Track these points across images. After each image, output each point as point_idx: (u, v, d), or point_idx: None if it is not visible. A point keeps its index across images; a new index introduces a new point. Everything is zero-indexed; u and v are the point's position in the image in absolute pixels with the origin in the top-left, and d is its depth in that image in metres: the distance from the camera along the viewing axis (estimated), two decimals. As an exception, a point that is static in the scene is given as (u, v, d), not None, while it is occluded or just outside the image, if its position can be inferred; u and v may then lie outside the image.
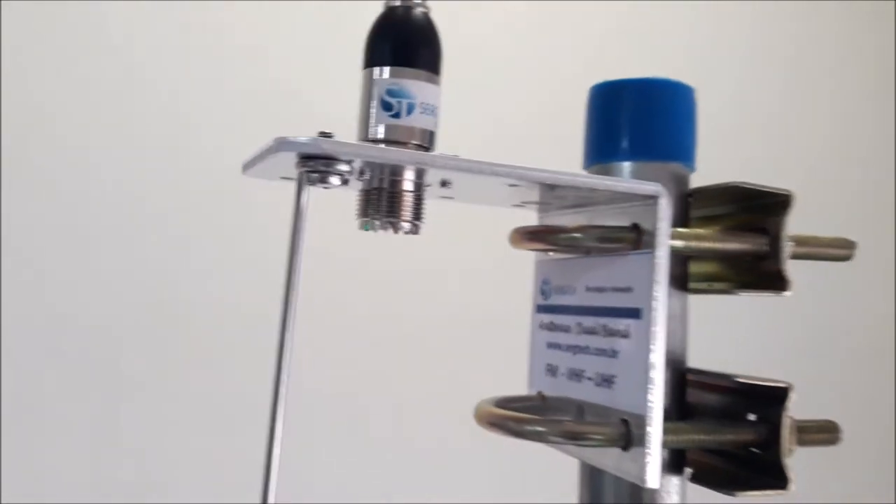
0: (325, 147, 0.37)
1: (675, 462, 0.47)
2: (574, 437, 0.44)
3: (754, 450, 0.46)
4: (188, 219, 1.22)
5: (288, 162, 0.39)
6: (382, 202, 0.43)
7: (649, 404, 0.42)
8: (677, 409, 0.47)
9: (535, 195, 0.47)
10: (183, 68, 1.24)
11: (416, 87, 0.43)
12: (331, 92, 1.01)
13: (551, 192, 0.46)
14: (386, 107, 0.42)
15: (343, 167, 0.39)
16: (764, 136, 1.65)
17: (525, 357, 0.54)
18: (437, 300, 1.33)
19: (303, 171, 0.39)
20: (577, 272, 0.49)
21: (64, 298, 1.17)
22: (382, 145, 0.42)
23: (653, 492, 0.46)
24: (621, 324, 0.44)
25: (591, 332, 0.47)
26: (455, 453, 1.26)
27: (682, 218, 0.48)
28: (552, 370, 0.50)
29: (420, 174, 0.43)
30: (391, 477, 1.30)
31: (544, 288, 0.52)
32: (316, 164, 0.38)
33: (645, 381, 0.42)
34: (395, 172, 0.42)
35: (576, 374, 0.48)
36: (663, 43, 1.55)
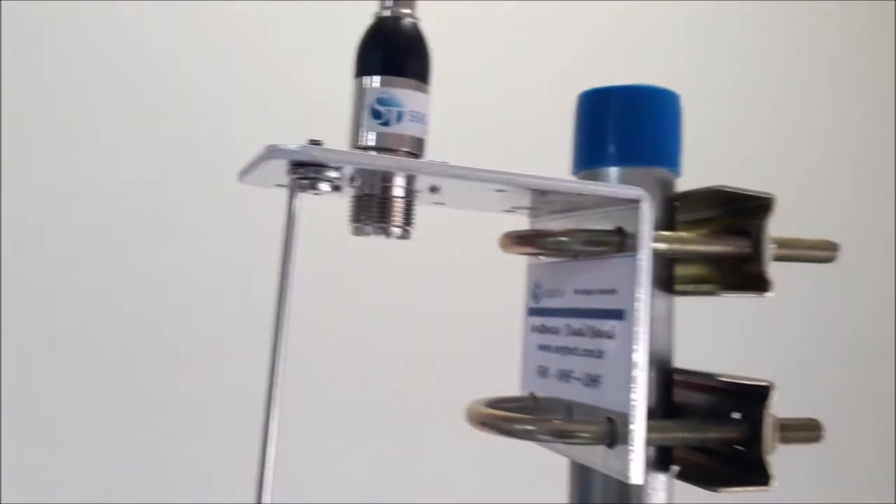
0: (315, 154, 0.39)
1: (661, 460, 0.48)
2: (561, 436, 0.45)
3: (738, 447, 0.47)
4: (198, 222, 1.24)
5: (279, 169, 0.40)
6: (374, 208, 0.44)
7: (633, 403, 0.43)
8: (663, 408, 0.48)
9: (525, 200, 0.49)
10: (185, 69, 1.26)
11: (405, 95, 0.44)
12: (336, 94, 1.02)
13: (541, 197, 0.47)
14: (376, 115, 0.44)
15: (333, 174, 0.40)
16: (764, 136, 1.66)
17: (518, 359, 0.55)
18: (435, 303, 1.35)
19: (294, 178, 0.40)
20: (565, 275, 0.50)
21: (65, 299, 1.19)
22: (373, 152, 0.44)
23: (640, 489, 0.47)
24: (606, 325, 0.45)
25: (578, 333, 0.48)
26: (451, 453, 1.27)
27: (667, 221, 0.50)
28: (543, 371, 0.51)
29: (410, 181, 0.44)
30: (388, 476, 1.32)
31: (536, 291, 0.53)
32: (306, 171, 0.40)
33: (628, 381, 0.43)
34: (386, 179, 0.44)
35: (565, 375, 0.49)
36: (663, 44, 1.57)
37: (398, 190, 0.44)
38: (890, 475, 1.69)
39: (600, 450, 0.44)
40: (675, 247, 0.47)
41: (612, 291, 0.45)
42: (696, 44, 1.61)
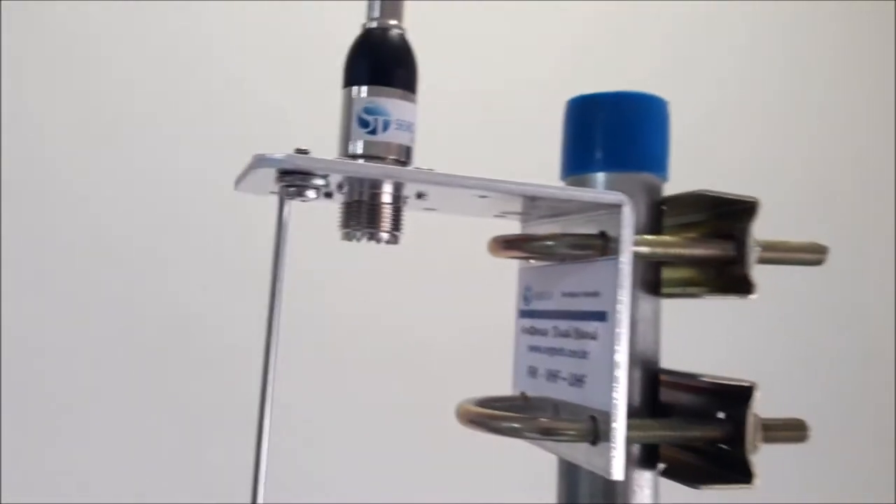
0: (300, 163, 0.40)
1: (647, 457, 0.49)
2: (547, 433, 0.46)
3: (723, 446, 0.48)
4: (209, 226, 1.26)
5: (269, 177, 0.42)
6: (362, 214, 0.46)
7: (614, 401, 0.44)
8: (649, 408, 0.50)
9: (514, 206, 0.50)
10: (188, 71, 1.28)
11: (391, 104, 0.45)
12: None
13: (530, 202, 0.48)
14: (363, 124, 0.45)
15: (319, 182, 0.41)
16: (763, 137, 1.66)
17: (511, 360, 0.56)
18: (431, 306, 1.37)
19: (282, 185, 0.42)
20: (553, 278, 0.51)
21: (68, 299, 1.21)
22: (361, 160, 0.45)
23: (625, 485, 0.48)
24: (590, 326, 0.47)
25: (565, 334, 0.49)
26: (447, 453, 1.28)
27: (654, 225, 0.51)
28: (533, 372, 0.53)
29: (398, 187, 0.45)
30: (384, 477, 1.33)
31: (526, 294, 0.55)
32: (293, 179, 0.41)
33: (611, 380, 0.44)
34: (374, 186, 0.45)
35: (553, 375, 0.50)
36: (662, 44, 1.58)
37: (386, 196, 0.46)
38: (890, 475, 1.68)
39: (584, 447, 0.46)
40: (659, 250, 0.48)
41: (595, 294, 0.46)
42: (694, 44, 1.62)
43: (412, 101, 0.46)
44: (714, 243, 0.49)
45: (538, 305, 0.53)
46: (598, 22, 1.55)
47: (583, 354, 0.47)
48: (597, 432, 0.45)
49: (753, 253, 0.48)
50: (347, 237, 0.47)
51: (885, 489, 1.68)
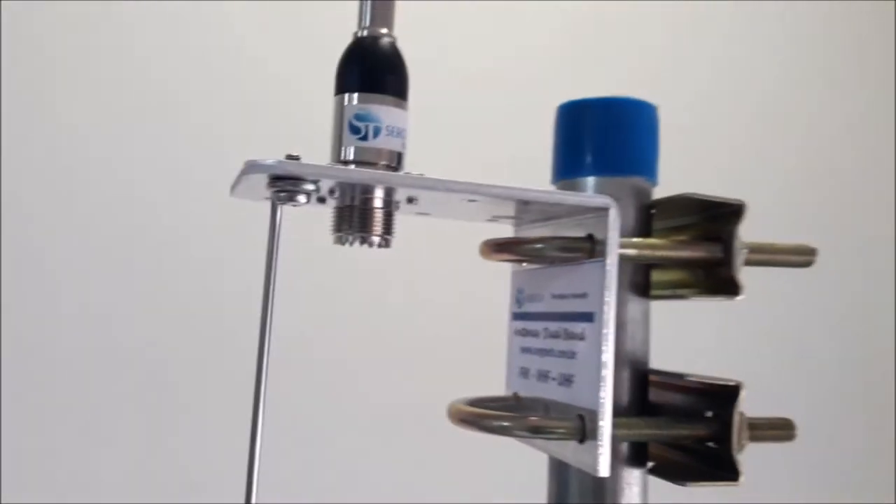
0: (290, 168, 0.41)
1: (636, 456, 0.50)
2: (536, 432, 0.47)
3: (711, 445, 0.49)
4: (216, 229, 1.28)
5: (261, 183, 0.43)
6: (354, 218, 0.47)
7: (601, 400, 0.45)
8: (638, 407, 0.50)
9: (506, 210, 0.51)
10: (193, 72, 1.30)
11: (382, 111, 0.46)
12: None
13: (521, 206, 0.49)
14: (354, 130, 0.46)
15: (309, 187, 0.43)
16: (761, 137, 1.67)
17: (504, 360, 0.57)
18: (427, 308, 1.38)
19: (273, 191, 0.43)
20: (544, 281, 0.52)
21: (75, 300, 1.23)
22: (352, 166, 0.46)
23: (614, 483, 0.49)
24: (578, 327, 0.47)
25: (555, 335, 0.50)
26: (442, 452, 1.29)
27: (643, 228, 0.52)
28: (525, 372, 0.54)
29: (389, 192, 0.46)
30: (380, 477, 1.34)
31: (519, 296, 0.56)
32: (285, 185, 0.42)
33: (597, 379, 0.45)
34: (366, 191, 0.46)
35: (543, 375, 0.51)
36: (658, 45, 1.59)
37: (378, 201, 0.47)
38: (890, 475, 1.68)
39: (572, 445, 0.47)
40: (646, 252, 0.49)
41: (583, 295, 0.47)
42: (689, 45, 1.63)
43: (403, 107, 0.47)
44: (701, 246, 0.50)
45: (530, 307, 0.54)
46: (593, 24, 1.56)
47: (571, 355, 0.48)
48: (584, 430, 0.46)
49: (740, 255, 0.49)
50: (340, 241, 0.48)
51: (885, 489, 1.68)
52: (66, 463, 1.20)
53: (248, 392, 0.44)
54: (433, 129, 1.27)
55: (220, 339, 1.26)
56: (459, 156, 1.29)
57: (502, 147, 1.37)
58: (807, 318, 1.66)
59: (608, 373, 0.45)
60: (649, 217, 0.52)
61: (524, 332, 0.54)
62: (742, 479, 0.46)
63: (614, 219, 0.46)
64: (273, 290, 0.44)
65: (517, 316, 0.56)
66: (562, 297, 0.50)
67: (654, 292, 0.52)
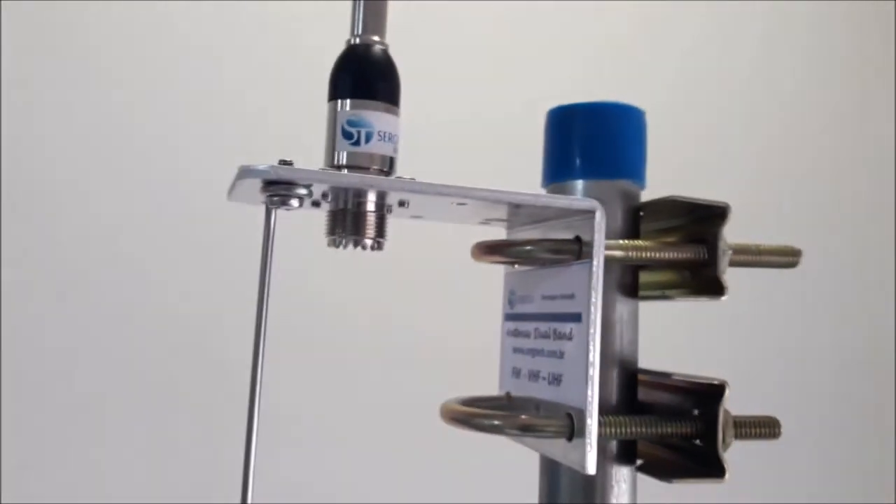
0: (282, 174, 0.42)
1: (625, 453, 0.51)
2: (526, 430, 0.48)
3: (697, 443, 0.50)
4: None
5: (255, 188, 0.44)
6: (347, 222, 0.48)
7: (588, 399, 0.46)
8: (627, 405, 0.51)
9: (497, 213, 0.52)
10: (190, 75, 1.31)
11: (374, 117, 0.48)
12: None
13: (514, 210, 0.50)
14: (347, 136, 0.47)
15: (302, 191, 0.44)
16: (763, 137, 1.68)
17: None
18: (423, 310, 1.39)
19: (267, 195, 0.44)
20: (535, 282, 0.53)
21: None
22: (345, 170, 0.47)
23: (604, 481, 0.50)
24: (566, 327, 0.49)
25: (545, 336, 0.51)
26: (440, 452, 1.30)
27: (631, 230, 0.53)
28: (517, 372, 0.55)
29: (380, 196, 0.47)
30: (377, 477, 1.36)
31: (511, 298, 0.57)
32: (278, 189, 0.44)
33: (585, 379, 0.46)
34: (359, 195, 0.47)
35: (534, 375, 0.52)
36: (657, 47, 1.60)
37: (370, 205, 0.48)
38: (890, 475, 1.69)
39: (561, 443, 0.48)
40: (632, 254, 0.50)
41: (571, 296, 0.48)
42: (687, 47, 1.64)
43: (395, 113, 0.49)
44: (687, 247, 0.51)
45: (521, 308, 0.55)
46: (587, 28, 1.57)
47: (560, 354, 0.49)
48: (573, 429, 0.47)
49: (725, 256, 0.50)
50: (333, 244, 0.49)
51: (885, 489, 1.69)
52: (67, 463, 1.22)
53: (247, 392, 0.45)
54: (431, 132, 1.28)
55: (221, 339, 1.27)
56: (456, 160, 1.30)
57: (497, 150, 1.38)
58: (807, 319, 1.67)
59: (595, 372, 0.46)
60: (637, 219, 0.53)
61: (516, 333, 0.56)
62: (727, 476, 0.47)
63: (600, 221, 0.47)
64: (267, 293, 0.45)
65: (509, 317, 0.57)
66: (551, 297, 0.51)
67: (642, 293, 0.53)
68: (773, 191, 1.65)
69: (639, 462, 0.52)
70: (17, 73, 1.23)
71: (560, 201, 0.47)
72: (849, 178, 1.75)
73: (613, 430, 0.48)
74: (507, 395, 0.56)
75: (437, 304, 1.40)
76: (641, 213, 0.54)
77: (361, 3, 0.49)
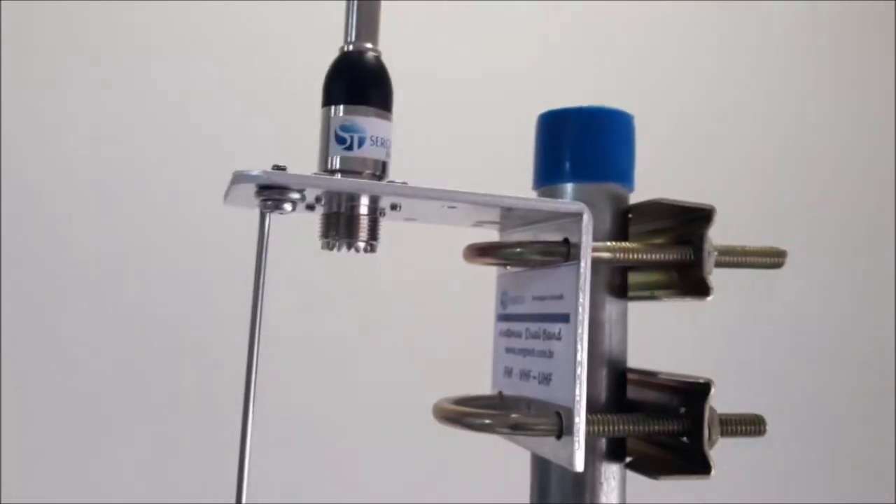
0: (275, 179, 0.44)
1: (614, 451, 0.52)
2: (516, 428, 0.49)
3: (685, 440, 0.51)
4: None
5: (250, 192, 0.45)
6: (340, 225, 0.49)
7: (576, 398, 0.47)
8: (616, 404, 0.53)
9: (489, 216, 0.53)
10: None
11: (367, 122, 0.49)
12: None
13: (506, 212, 0.52)
14: (340, 141, 0.48)
15: (295, 195, 0.45)
16: (762, 138, 1.69)
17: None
18: (418, 310, 1.41)
19: (261, 200, 0.45)
20: (526, 283, 0.54)
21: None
22: (338, 175, 0.49)
23: (593, 478, 0.51)
24: (555, 328, 0.50)
25: (535, 336, 0.52)
26: (432, 451, 1.31)
27: (620, 232, 0.54)
28: (509, 372, 0.56)
29: (373, 199, 0.49)
30: (373, 477, 1.37)
31: (503, 299, 0.58)
32: (272, 194, 0.45)
33: (573, 378, 0.47)
34: (350, 198, 0.49)
35: (525, 374, 0.53)
36: (653, 46, 1.61)
37: (363, 208, 0.49)
38: (890, 475, 1.69)
39: (551, 441, 0.49)
40: (619, 255, 0.51)
41: (560, 297, 0.50)
42: (681, 50, 1.65)
43: (387, 118, 0.50)
44: (673, 249, 0.52)
45: (513, 309, 0.56)
46: (579, 34, 1.58)
47: (550, 354, 0.50)
48: (561, 427, 0.48)
49: (710, 257, 0.51)
50: (327, 246, 0.50)
51: (885, 489, 1.70)
52: (67, 463, 1.23)
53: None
54: (429, 136, 1.29)
55: (221, 339, 1.28)
56: (452, 164, 1.32)
57: (491, 154, 1.39)
58: (807, 318, 1.68)
59: (582, 371, 0.47)
60: (626, 221, 0.54)
61: (508, 333, 0.57)
62: (713, 472, 0.48)
63: (587, 224, 0.48)
64: (262, 295, 0.46)
65: (502, 317, 0.58)
66: (541, 298, 0.52)
67: (631, 293, 0.54)
68: (774, 191, 1.66)
69: (628, 459, 0.53)
70: (17, 73, 1.24)
71: (548, 205, 0.48)
72: (849, 177, 1.76)
73: (602, 428, 0.49)
74: (500, 394, 0.57)
75: (432, 305, 1.41)
76: (630, 216, 0.55)
77: (355, 10, 0.51)
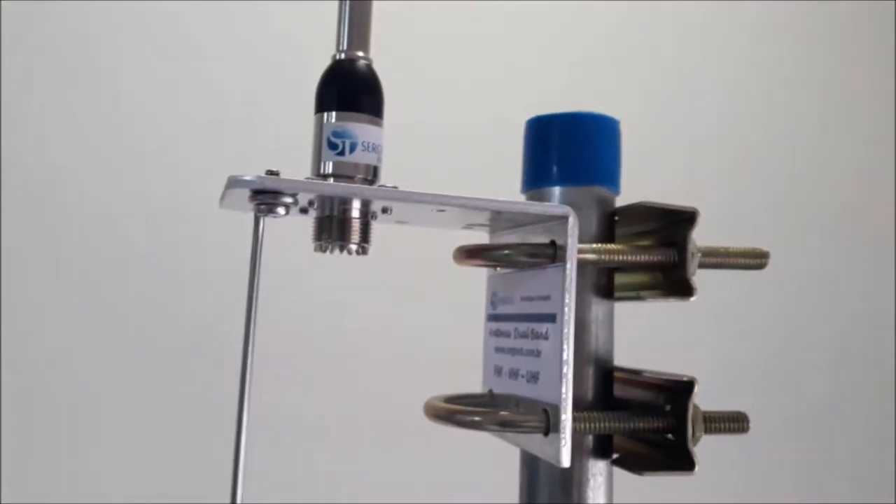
0: (269, 183, 0.45)
1: (601, 448, 0.53)
2: (505, 426, 0.51)
3: (669, 437, 0.52)
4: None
5: (244, 196, 0.47)
6: (333, 228, 0.51)
7: (562, 396, 0.48)
8: (602, 402, 0.54)
9: (479, 219, 0.55)
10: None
11: (358, 128, 0.50)
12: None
13: (496, 215, 0.53)
14: (332, 146, 0.50)
15: (288, 200, 0.46)
16: (762, 138, 1.70)
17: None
18: (413, 311, 1.42)
19: (255, 204, 0.46)
20: (514, 284, 0.56)
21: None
22: (330, 179, 0.50)
23: (581, 474, 0.53)
24: (543, 327, 0.51)
25: (523, 335, 0.54)
26: (424, 448, 1.32)
27: (607, 234, 0.55)
28: (498, 370, 0.57)
29: (365, 203, 0.50)
30: (369, 477, 1.38)
31: (493, 299, 0.59)
32: (265, 198, 0.46)
33: (559, 376, 0.49)
34: (343, 202, 0.50)
35: (514, 373, 0.55)
36: (653, 46, 1.62)
37: (355, 211, 0.51)
38: (890, 475, 1.71)
39: (538, 438, 0.50)
40: (605, 257, 0.52)
41: (547, 298, 0.51)
42: (675, 52, 1.66)
43: (378, 125, 0.51)
44: (658, 250, 0.53)
45: (503, 310, 0.58)
46: (572, 37, 1.60)
47: (537, 353, 0.51)
48: (548, 424, 0.49)
49: (694, 259, 0.52)
50: (320, 249, 0.52)
51: (885, 489, 1.71)
52: (66, 463, 1.24)
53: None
54: (425, 140, 1.31)
55: (220, 339, 1.29)
56: (446, 168, 1.33)
57: (484, 158, 1.41)
58: (807, 318, 1.69)
59: (569, 370, 0.48)
60: (612, 224, 0.56)
61: (498, 333, 0.58)
62: (697, 469, 0.50)
63: (573, 226, 0.49)
64: (256, 298, 0.47)
65: (492, 317, 0.59)
66: (529, 299, 0.53)
67: (618, 294, 0.56)
68: (773, 191, 1.67)
69: (614, 456, 0.54)
70: (18, 73, 1.26)
71: (534, 208, 0.50)
72: (849, 177, 1.77)
73: (588, 425, 0.51)
74: (490, 392, 0.59)
75: (427, 306, 1.42)
76: (616, 218, 0.56)
77: (346, 19, 0.52)
